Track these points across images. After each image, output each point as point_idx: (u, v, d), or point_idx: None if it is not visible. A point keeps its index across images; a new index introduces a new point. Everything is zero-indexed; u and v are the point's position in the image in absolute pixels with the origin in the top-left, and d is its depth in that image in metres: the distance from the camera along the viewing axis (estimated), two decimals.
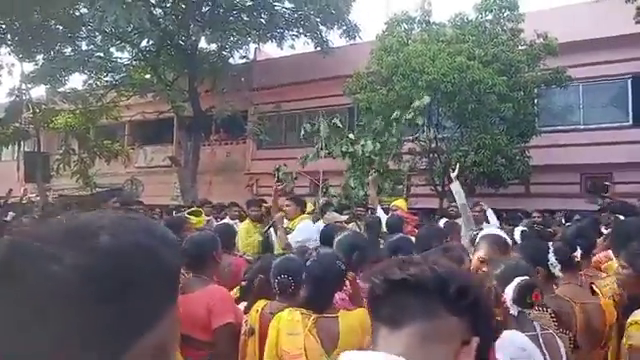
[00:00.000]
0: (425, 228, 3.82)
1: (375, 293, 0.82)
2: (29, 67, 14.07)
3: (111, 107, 15.19)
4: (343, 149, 8.42)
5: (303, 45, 13.50)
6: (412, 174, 9.73)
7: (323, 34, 12.90)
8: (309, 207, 5.56)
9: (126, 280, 0.50)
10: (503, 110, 8.88)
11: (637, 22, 8.39)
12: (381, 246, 3.25)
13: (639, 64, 10.01)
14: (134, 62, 14.48)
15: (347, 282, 2.24)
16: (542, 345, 1.62)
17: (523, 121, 9.49)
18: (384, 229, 4.32)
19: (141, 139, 17.70)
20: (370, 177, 5.91)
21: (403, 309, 0.79)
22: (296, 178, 8.87)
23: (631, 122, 10.47)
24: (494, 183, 9.45)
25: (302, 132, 8.95)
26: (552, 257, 2.18)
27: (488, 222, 5.10)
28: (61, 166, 15.45)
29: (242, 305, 2.48)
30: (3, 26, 12.84)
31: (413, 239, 3.18)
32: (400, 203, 5.90)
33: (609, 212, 5.17)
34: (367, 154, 8.21)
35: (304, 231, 4.24)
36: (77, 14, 12.39)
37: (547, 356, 1.61)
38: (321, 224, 4.45)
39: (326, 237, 3.25)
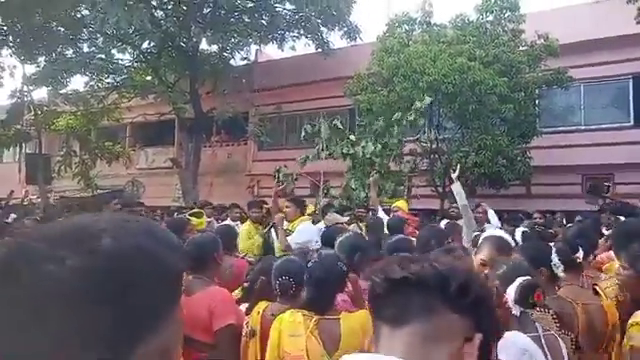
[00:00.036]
0: (426, 229, 3.81)
1: (376, 292, 0.82)
2: (31, 69, 14.15)
3: (112, 109, 15.22)
4: (344, 150, 8.42)
5: (304, 46, 13.54)
6: (413, 175, 9.73)
7: (324, 35, 12.91)
8: (310, 208, 5.56)
9: (127, 283, 0.50)
10: (504, 111, 8.88)
11: (638, 22, 8.39)
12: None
13: None
14: (135, 64, 14.51)
15: (349, 284, 2.24)
16: (544, 346, 1.62)
17: (524, 122, 9.49)
18: (385, 230, 4.32)
19: (142, 141, 17.73)
20: (371, 178, 5.90)
21: (404, 308, 0.78)
22: (296, 179, 8.87)
23: (632, 123, 10.46)
24: (495, 184, 9.44)
25: (303, 133, 8.94)
26: (555, 258, 2.17)
27: (490, 223, 5.10)
28: (62, 168, 15.47)
29: (243, 306, 2.48)
30: (5, 28, 12.88)
31: (414, 240, 3.18)
32: (401, 204, 5.90)
33: (608, 213, 5.16)
34: (368, 155, 8.20)
35: (304, 233, 4.24)
36: (78, 16, 12.41)
37: (549, 357, 1.61)
38: (322, 225, 4.45)
39: (327, 238, 3.26)
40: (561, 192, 10.26)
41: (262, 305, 2.28)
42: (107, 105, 14.96)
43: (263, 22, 12.93)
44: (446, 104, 9.31)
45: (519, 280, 1.65)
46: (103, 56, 13.68)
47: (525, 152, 9.68)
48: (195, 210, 5.67)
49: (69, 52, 13.45)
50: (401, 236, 3.39)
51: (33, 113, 14.84)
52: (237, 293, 2.72)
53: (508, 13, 9.65)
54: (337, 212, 5.58)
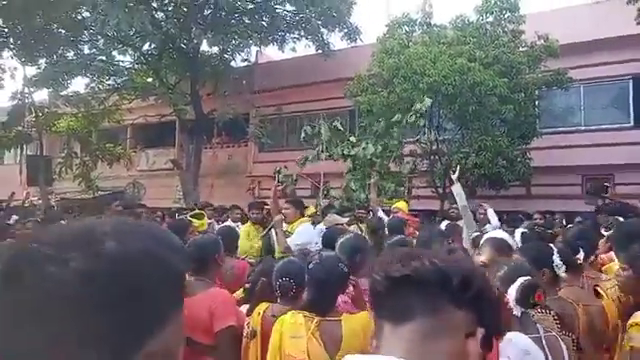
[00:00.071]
0: (426, 230, 3.82)
1: (376, 289, 0.81)
2: (32, 71, 14.15)
3: (113, 110, 15.24)
4: (344, 152, 8.42)
5: (304, 48, 13.55)
6: (413, 176, 9.73)
7: (324, 37, 12.93)
8: (311, 210, 5.56)
9: (132, 286, 0.51)
10: (504, 112, 8.88)
11: (638, 23, 8.39)
12: None
13: None
14: (136, 65, 14.53)
15: (350, 286, 2.24)
16: (545, 347, 1.62)
17: (524, 123, 9.49)
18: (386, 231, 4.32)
19: (143, 142, 17.74)
20: (372, 180, 5.91)
21: (406, 306, 0.77)
22: (296, 180, 8.87)
23: (632, 123, 10.46)
24: (495, 185, 9.44)
25: (302, 134, 8.95)
26: (557, 259, 2.18)
27: (490, 223, 5.10)
28: (63, 169, 15.48)
29: (244, 307, 2.49)
30: (6, 30, 12.90)
31: (414, 241, 3.19)
32: (401, 205, 5.90)
33: (605, 213, 5.16)
34: (368, 156, 8.21)
35: (303, 234, 4.23)
36: (79, 18, 12.42)
37: (550, 358, 1.61)
38: (322, 227, 4.45)
39: (328, 240, 3.25)
40: (561, 193, 10.25)
41: (263, 306, 2.28)
42: (108, 107, 14.98)
43: (263, 23, 12.95)
44: (446, 105, 9.31)
45: (520, 280, 1.66)
46: (104, 58, 13.70)
47: (525, 153, 9.67)
48: (196, 212, 5.67)
49: (70, 54, 13.47)
50: (402, 237, 3.40)
51: (34, 115, 14.85)
52: (239, 294, 2.72)
53: (508, 14, 9.65)
54: (338, 213, 5.58)
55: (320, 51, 12.90)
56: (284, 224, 4.36)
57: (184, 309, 0.58)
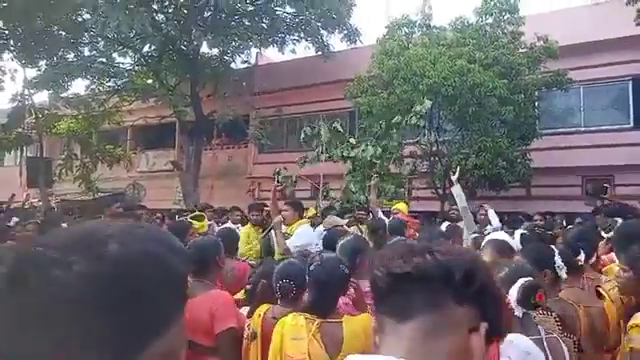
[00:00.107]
0: (426, 231, 3.82)
1: (378, 286, 0.80)
2: (32, 73, 14.18)
3: (113, 112, 15.26)
4: (344, 153, 8.42)
5: (304, 49, 13.58)
6: (413, 177, 9.73)
7: (324, 38, 12.95)
8: (311, 211, 5.56)
9: (134, 288, 0.51)
10: (504, 113, 8.88)
11: (637, 24, 8.40)
12: None
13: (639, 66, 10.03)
14: (136, 67, 14.55)
15: (351, 288, 2.24)
16: (546, 349, 1.62)
17: (524, 124, 9.50)
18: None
19: (143, 144, 17.75)
20: (372, 181, 5.91)
21: (408, 303, 0.76)
22: (296, 181, 8.87)
23: (632, 124, 10.47)
24: (495, 186, 9.44)
25: (302, 136, 8.95)
26: (558, 260, 2.18)
27: (491, 224, 5.10)
28: (63, 171, 15.49)
29: (245, 309, 2.49)
30: (6, 32, 12.91)
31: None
32: (401, 206, 5.90)
33: (603, 215, 5.15)
34: (368, 158, 8.21)
35: (303, 236, 4.23)
36: (80, 20, 12.45)
37: None
38: (321, 228, 4.44)
39: (329, 241, 3.25)
40: (561, 194, 10.26)
41: (263, 308, 2.28)
42: (108, 108, 14.99)
43: (263, 25, 12.97)
44: (446, 106, 9.32)
45: (521, 281, 1.66)
46: (104, 60, 13.71)
47: (525, 154, 9.67)
48: (196, 213, 5.67)
49: (70, 56, 13.49)
50: (401, 238, 3.40)
51: (34, 117, 14.87)
52: (240, 296, 2.72)
53: (507, 15, 9.67)
54: (338, 215, 5.58)
55: (320, 53, 12.92)
56: (283, 226, 4.36)
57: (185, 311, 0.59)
